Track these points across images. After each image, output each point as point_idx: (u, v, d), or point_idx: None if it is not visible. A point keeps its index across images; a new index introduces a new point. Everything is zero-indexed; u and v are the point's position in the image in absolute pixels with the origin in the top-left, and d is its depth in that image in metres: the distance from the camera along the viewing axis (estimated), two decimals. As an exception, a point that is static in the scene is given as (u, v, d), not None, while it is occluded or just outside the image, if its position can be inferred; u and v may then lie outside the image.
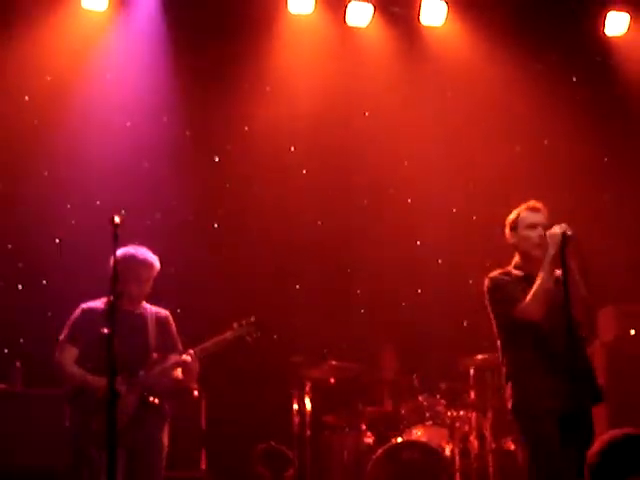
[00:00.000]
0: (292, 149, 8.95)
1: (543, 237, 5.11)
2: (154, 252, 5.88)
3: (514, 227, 5.34)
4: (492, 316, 5.31)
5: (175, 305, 6.45)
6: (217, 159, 8.89)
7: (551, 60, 8.98)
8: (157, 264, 5.77)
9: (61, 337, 5.70)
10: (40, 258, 8.21)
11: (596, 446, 3.32)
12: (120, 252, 5.35)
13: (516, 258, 5.36)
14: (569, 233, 4.99)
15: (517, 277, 5.27)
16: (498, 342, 5.31)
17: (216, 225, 8.81)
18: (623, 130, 9.08)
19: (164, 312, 5.88)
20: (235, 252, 8.62)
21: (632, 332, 7.68)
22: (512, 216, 5.37)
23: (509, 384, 5.19)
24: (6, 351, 7.98)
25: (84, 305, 5.76)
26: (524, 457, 5.16)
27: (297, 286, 8.81)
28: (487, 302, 5.31)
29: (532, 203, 5.33)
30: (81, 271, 7.58)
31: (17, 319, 8.00)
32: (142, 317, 5.74)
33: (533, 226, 5.24)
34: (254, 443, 8.03)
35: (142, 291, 5.72)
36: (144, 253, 5.71)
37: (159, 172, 8.52)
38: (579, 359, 4.97)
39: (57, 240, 8.32)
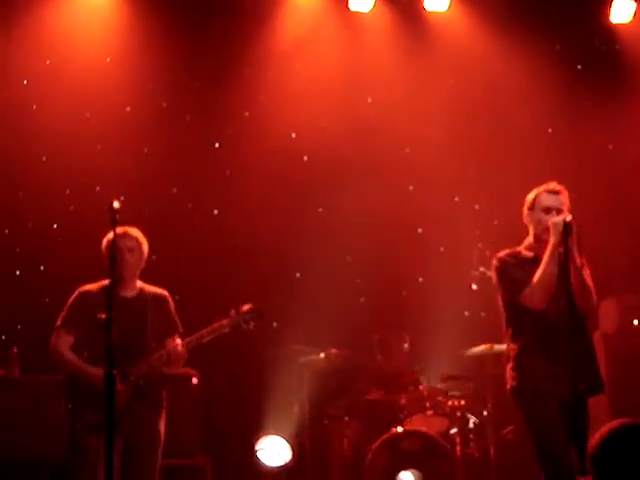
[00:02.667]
0: (293, 135, 8.88)
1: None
2: (153, 238, 5.84)
3: (531, 207, 5.32)
4: (498, 296, 5.28)
5: (174, 292, 6.41)
6: (217, 145, 8.82)
7: (556, 47, 8.92)
8: (132, 233, 5.69)
9: (58, 322, 5.67)
10: (38, 243, 8.18)
11: (597, 437, 3.32)
12: (108, 236, 5.39)
13: (529, 238, 5.35)
14: (571, 222, 4.95)
15: (526, 258, 5.27)
16: (504, 322, 5.30)
17: (216, 212, 8.74)
18: (628, 118, 9.01)
19: (162, 292, 5.83)
20: (235, 239, 8.57)
21: (635, 322, 7.65)
22: (531, 195, 5.35)
23: (510, 365, 5.18)
24: (3, 337, 7.91)
25: (80, 289, 5.73)
26: (528, 439, 5.12)
27: (297, 274, 8.75)
28: (494, 282, 5.29)
29: (552, 185, 5.31)
30: (80, 257, 7.53)
31: (14, 305, 7.97)
32: (139, 301, 5.68)
33: (548, 210, 5.23)
34: (253, 431, 7.98)
35: (124, 262, 5.57)
36: (128, 228, 5.63)
37: (159, 158, 8.45)
38: (582, 347, 4.98)
39: (55, 225, 8.26)
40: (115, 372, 4.63)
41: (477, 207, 8.88)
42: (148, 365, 5.53)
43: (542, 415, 5.00)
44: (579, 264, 5.04)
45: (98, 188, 8.23)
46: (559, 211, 5.17)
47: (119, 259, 5.40)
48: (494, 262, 5.32)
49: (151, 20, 8.33)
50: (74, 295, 5.72)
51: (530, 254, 5.27)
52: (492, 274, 5.33)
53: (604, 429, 3.31)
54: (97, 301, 5.27)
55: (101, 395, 4.61)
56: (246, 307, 5.78)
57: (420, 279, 8.94)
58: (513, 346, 5.21)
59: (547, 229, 5.12)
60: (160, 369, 5.61)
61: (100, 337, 4.73)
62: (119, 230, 5.43)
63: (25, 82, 8.29)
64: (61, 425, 5.63)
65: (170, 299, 5.85)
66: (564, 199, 5.27)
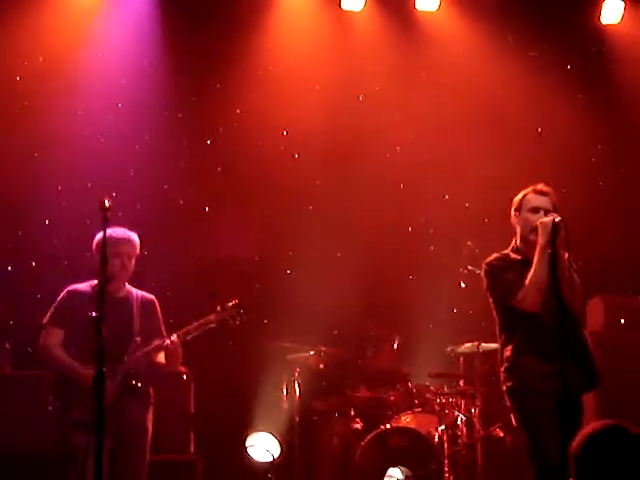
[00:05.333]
0: (285, 133, 8.89)
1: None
2: (144, 235, 5.87)
3: (518, 208, 5.32)
4: (490, 301, 5.31)
5: (164, 288, 6.45)
6: (209, 142, 8.83)
7: (546, 47, 8.95)
8: (135, 240, 5.73)
9: (45, 319, 5.69)
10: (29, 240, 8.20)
11: (579, 438, 3.34)
12: (99, 235, 5.38)
13: (515, 240, 5.36)
14: (559, 222, 4.98)
15: (515, 261, 5.27)
16: (497, 325, 5.32)
17: (207, 209, 8.76)
18: (618, 118, 9.05)
19: (150, 296, 5.87)
20: (227, 236, 8.59)
21: (622, 321, 7.70)
22: (518, 197, 5.35)
23: (505, 366, 5.20)
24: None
25: (70, 287, 5.75)
26: (523, 439, 5.15)
27: (288, 271, 8.78)
28: (485, 288, 5.31)
29: (540, 186, 5.30)
30: (71, 253, 7.56)
31: (6, 300, 7.99)
32: (127, 301, 5.72)
33: (536, 210, 5.23)
34: (243, 427, 8.02)
35: (124, 268, 5.66)
36: (121, 231, 5.66)
37: (150, 155, 8.46)
38: (575, 345, 5.02)
39: (46, 221, 8.27)
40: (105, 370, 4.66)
41: (467, 205, 8.90)
42: (135, 362, 5.57)
43: (536, 413, 5.01)
44: (567, 263, 5.07)
45: (90, 184, 8.24)
46: (547, 211, 5.17)
47: (118, 264, 5.47)
48: (484, 267, 5.32)
49: (143, 19, 8.36)
50: (63, 293, 5.74)
51: (518, 256, 5.28)
52: (483, 279, 5.32)
53: (586, 430, 3.33)
54: (86, 300, 5.31)
55: (89, 392, 4.63)
56: (232, 302, 5.81)
57: (410, 277, 8.97)
58: (507, 348, 5.21)
59: (534, 229, 5.13)
60: (147, 365, 5.64)
61: (88, 335, 4.76)
62: (122, 235, 5.49)
63: (17, 78, 8.28)
64: (52, 421, 5.65)
65: (157, 303, 5.89)
66: (552, 200, 5.29)
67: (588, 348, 5.26)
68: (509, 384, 5.17)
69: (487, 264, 5.33)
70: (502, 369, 5.24)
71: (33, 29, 8.15)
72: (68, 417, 5.39)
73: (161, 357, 5.72)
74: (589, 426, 3.36)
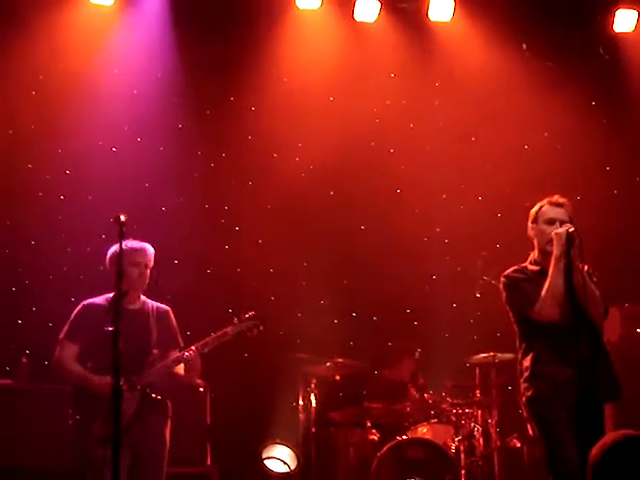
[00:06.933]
0: (300, 145, 8.90)
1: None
2: (159, 248, 5.90)
3: (534, 220, 5.33)
4: (510, 313, 5.31)
5: (180, 299, 6.46)
6: (224, 154, 8.85)
7: (559, 56, 8.94)
8: (150, 250, 5.76)
9: (61, 335, 5.71)
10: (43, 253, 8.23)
11: (597, 448, 3.31)
12: (112, 249, 5.50)
13: (534, 252, 5.36)
14: (573, 232, 4.99)
15: (533, 273, 5.28)
16: (516, 337, 5.32)
17: (223, 221, 8.77)
18: (632, 126, 9.03)
19: (164, 307, 5.89)
20: (240, 249, 8.60)
21: (639, 331, 7.68)
22: (534, 209, 5.36)
23: (525, 376, 5.19)
24: (12, 347, 7.93)
25: (85, 302, 5.77)
26: (540, 448, 5.14)
27: (304, 282, 8.77)
28: (504, 300, 5.31)
29: (555, 197, 5.32)
30: (86, 268, 7.60)
31: (23, 315, 8.04)
32: (143, 313, 5.75)
33: (552, 221, 5.23)
34: (259, 439, 8.01)
35: (142, 277, 5.69)
36: (135, 242, 5.68)
37: (164, 166, 8.50)
38: (596, 355, 5.03)
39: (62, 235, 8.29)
40: (122, 383, 4.68)
41: (482, 215, 8.87)
42: (154, 374, 5.58)
43: (555, 422, 5.00)
44: (585, 274, 5.06)
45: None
46: (562, 222, 5.18)
47: (137, 274, 5.51)
48: (502, 280, 5.33)
49: (157, 30, 8.40)
50: (78, 308, 5.77)
51: (536, 268, 5.29)
52: (502, 292, 5.33)
53: (606, 440, 3.30)
54: (102, 313, 5.32)
55: (109, 406, 4.66)
56: (249, 314, 5.82)
57: (426, 287, 8.95)
58: (526, 358, 5.20)
59: (550, 241, 5.14)
60: (165, 378, 5.65)
61: (104, 348, 4.80)
62: (135, 246, 5.51)
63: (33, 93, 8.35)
64: (70, 435, 5.66)
65: (172, 314, 5.90)
66: (567, 211, 5.29)
67: (610, 359, 5.25)
68: (529, 394, 5.16)
69: (505, 277, 5.34)
70: (522, 379, 5.23)
71: (48, 41, 8.20)
72: (88, 431, 5.40)
73: (180, 369, 5.73)
74: (608, 436, 3.34)
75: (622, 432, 3.33)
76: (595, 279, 5.23)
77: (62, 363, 5.63)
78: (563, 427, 4.96)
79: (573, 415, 4.93)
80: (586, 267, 5.13)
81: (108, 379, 4.81)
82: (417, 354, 8.07)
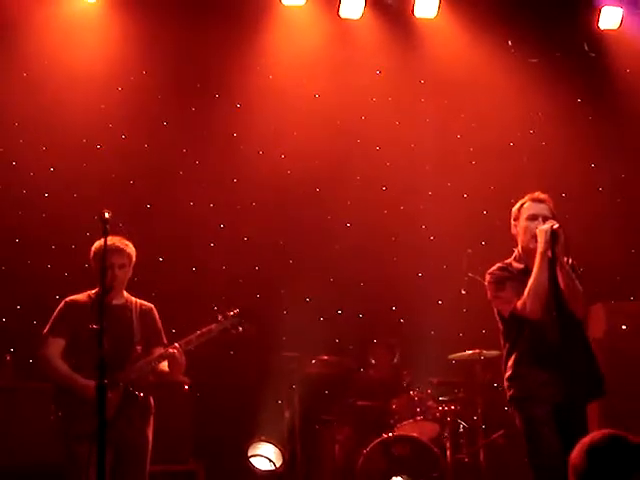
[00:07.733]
0: (285, 142, 8.88)
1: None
2: (144, 245, 5.86)
3: (516, 217, 5.33)
4: (494, 310, 5.31)
5: (164, 296, 6.43)
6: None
7: (545, 53, 8.96)
8: (126, 249, 5.68)
9: (44, 331, 5.67)
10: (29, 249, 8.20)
11: (578, 447, 3.30)
12: (95, 245, 5.48)
13: (517, 249, 5.35)
14: (557, 229, 4.98)
15: (517, 270, 5.27)
16: (500, 334, 5.32)
17: (207, 218, 8.74)
18: (617, 122, 9.06)
19: (148, 304, 5.85)
20: (226, 248, 8.59)
21: (624, 327, 7.70)
22: (516, 207, 5.35)
23: (507, 375, 5.19)
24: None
25: (67, 298, 5.73)
26: (524, 446, 5.14)
27: (289, 280, 8.73)
28: (488, 297, 5.31)
29: (536, 194, 5.30)
30: (71, 264, 7.57)
31: (7, 313, 8.00)
32: (126, 309, 5.70)
33: (534, 217, 5.22)
34: (245, 437, 8.00)
35: (114, 278, 5.63)
36: (116, 240, 5.62)
37: (149, 163, 8.47)
38: (579, 352, 5.02)
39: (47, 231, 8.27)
40: (106, 382, 4.65)
41: (468, 212, 8.88)
42: (136, 371, 5.56)
43: (537, 420, 5.00)
44: (569, 269, 5.06)
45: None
46: (545, 218, 5.16)
47: (110, 275, 5.45)
48: (487, 277, 5.32)
49: (139, 24, 8.36)
50: (60, 305, 5.71)
51: (520, 265, 5.28)
52: (487, 289, 5.32)
53: (586, 440, 3.29)
54: (84, 310, 5.31)
55: (91, 403, 4.62)
56: (233, 312, 5.80)
57: (411, 284, 8.94)
58: (510, 356, 5.20)
59: (534, 237, 5.13)
60: (149, 375, 5.63)
61: (88, 345, 4.76)
62: (110, 245, 5.44)
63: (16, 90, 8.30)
64: (54, 431, 5.64)
65: (155, 311, 5.87)
66: (549, 207, 5.29)
67: (593, 356, 5.24)
68: (511, 392, 5.16)
69: (490, 274, 5.33)
70: (505, 377, 5.23)
71: (31, 38, 8.17)
72: (70, 427, 5.37)
73: (164, 366, 5.70)
74: (588, 436, 3.33)
75: (602, 432, 3.32)
76: (579, 272, 5.22)
77: (47, 359, 5.58)
78: (544, 425, 4.96)
79: (555, 414, 4.95)
80: (570, 260, 5.13)
81: (92, 383, 4.76)
82: (397, 354, 8.10)
